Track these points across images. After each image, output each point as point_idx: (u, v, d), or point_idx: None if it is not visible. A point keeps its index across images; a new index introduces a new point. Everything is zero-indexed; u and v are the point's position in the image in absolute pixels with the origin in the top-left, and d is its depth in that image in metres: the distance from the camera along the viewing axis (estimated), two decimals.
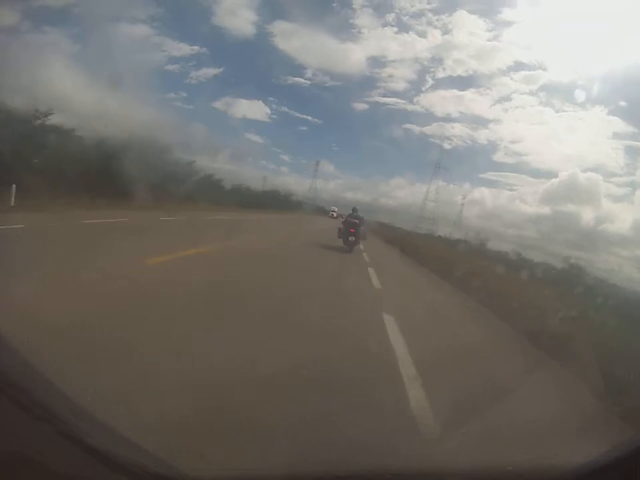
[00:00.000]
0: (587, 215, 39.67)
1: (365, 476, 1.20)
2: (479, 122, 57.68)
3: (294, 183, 50.25)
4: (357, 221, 12.66)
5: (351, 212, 13.10)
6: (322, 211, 49.95)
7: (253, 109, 52.10)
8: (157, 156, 18.53)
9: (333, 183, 54.37)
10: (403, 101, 50.05)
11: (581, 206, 40.61)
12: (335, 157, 63.90)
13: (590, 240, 35.56)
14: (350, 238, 12.31)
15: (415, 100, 51.57)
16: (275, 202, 37.60)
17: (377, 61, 55.15)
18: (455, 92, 49.14)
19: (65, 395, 0.79)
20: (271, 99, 53.64)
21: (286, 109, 51.77)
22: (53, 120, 13.28)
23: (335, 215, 41.38)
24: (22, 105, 12.82)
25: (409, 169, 63.74)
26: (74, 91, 27.11)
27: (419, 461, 1.63)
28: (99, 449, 0.78)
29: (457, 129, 45.62)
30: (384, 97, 48.84)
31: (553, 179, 42.02)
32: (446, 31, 47.51)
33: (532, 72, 45.77)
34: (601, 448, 1.07)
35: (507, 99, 51.38)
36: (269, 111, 49.18)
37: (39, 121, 12.83)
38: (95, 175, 12.54)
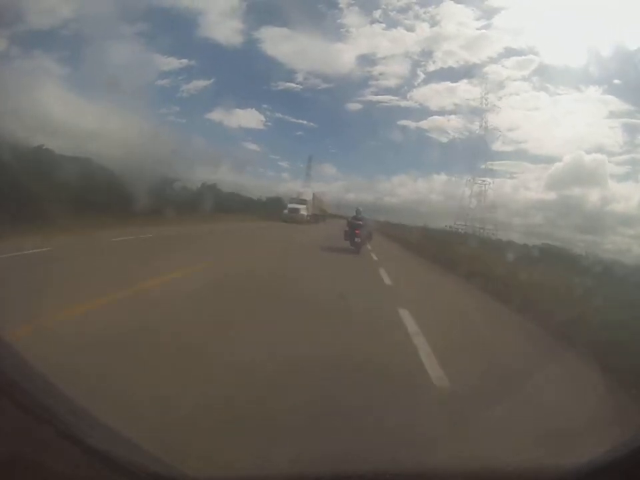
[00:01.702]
0: (593, 197, 38.75)
1: (365, 476, 1.20)
2: (474, 112, 57.53)
3: (296, 188, 49.52)
4: (361, 222, 13.02)
5: (354, 214, 13.42)
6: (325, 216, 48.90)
7: (247, 117, 52.04)
8: (155, 172, 18.71)
9: (334, 185, 54.19)
10: (397, 98, 49.95)
11: (587, 188, 39.69)
12: (334, 159, 63.84)
13: (597, 222, 34.65)
14: (356, 239, 12.68)
15: (408, 95, 51.43)
16: (273, 208, 34.73)
17: (367, 59, 55.04)
18: (448, 84, 48.85)
19: (64, 395, 0.80)
20: (265, 106, 53.43)
21: (280, 115, 51.80)
22: (46, 143, 13.50)
23: (304, 212, 27.91)
24: (15, 131, 12.84)
25: (410, 166, 63.46)
26: (66, 112, 27.23)
27: (419, 461, 1.63)
28: (99, 449, 0.79)
29: (453, 121, 45.41)
30: (377, 95, 48.85)
31: (557, 163, 41.00)
32: (434, 23, 47.22)
33: (523, 57, 45.32)
34: (600, 448, 1.06)
35: (500, 86, 51.16)
36: (264, 118, 48.78)
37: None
38: (93, 195, 12.56)
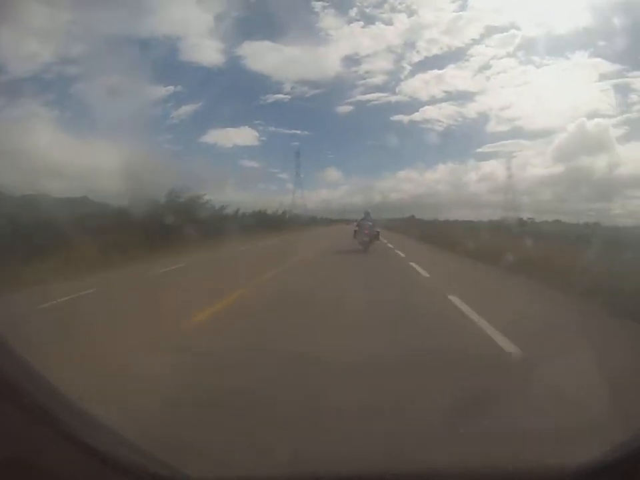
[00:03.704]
0: (600, 164, 36.38)
1: (366, 476, 1.21)
2: (465, 97, 56.13)
3: (299, 198, 47.86)
4: (370, 223, 14.38)
5: (363, 216, 14.69)
6: (322, 222, 46.65)
7: (240, 135, 50.81)
8: (160, 199, 17.68)
9: (339, 190, 52.87)
10: (386, 94, 48.53)
11: (594, 156, 37.27)
12: (334, 164, 62.50)
13: (605, 189, 32.49)
14: (365, 239, 13.83)
15: (397, 90, 49.86)
16: (272, 222, 32.31)
17: (351, 60, 53.73)
18: (435, 72, 47.08)
19: (64, 395, 0.82)
20: (257, 121, 51.74)
21: (273, 129, 50.51)
22: (44, 186, 13.04)
23: None
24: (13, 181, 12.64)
25: (411, 160, 61.89)
26: (61, 154, 26.53)
27: (419, 461, 1.62)
28: (99, 449, 0.81)
29: (445, 109, 44.20)
30: (366, 94, 47.50)
31: (561, 134, 38.71)
32: (411, 13, 45.96)
33: (505, 34, 43.85)
34: (601, 448, 1.05)
35: (486, 67, 49.72)
36: (257, 134, 47.20)
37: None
38: (108, 232, 12.27)
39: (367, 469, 1.28)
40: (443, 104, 47.01)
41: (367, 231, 13.83)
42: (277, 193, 49.71)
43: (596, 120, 36.79)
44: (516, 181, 38.58)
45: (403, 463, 1.61)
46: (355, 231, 14.43)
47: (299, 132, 51.20)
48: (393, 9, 47.21)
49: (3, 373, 0.69)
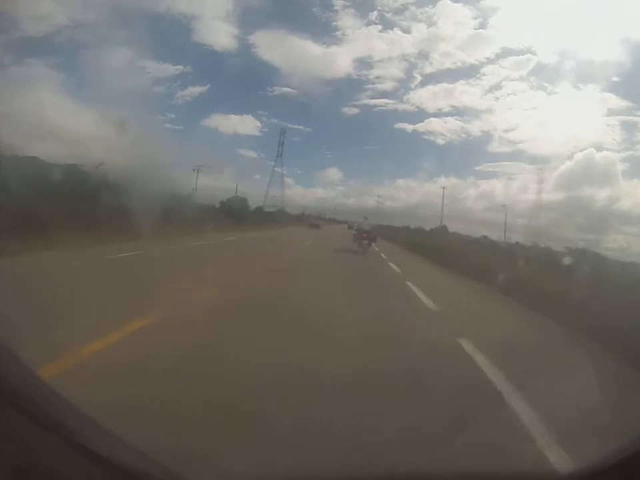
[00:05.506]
0: (600, 196, 36.15)
1: None
2: (471, 114, 56.18)
3: (297, 194, 46.99)
4: (368, 227, 15.52)
5: (361, 220, 16.07)
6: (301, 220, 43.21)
7: (243, 123, 50.67)
8: (154, 179, 17.60)
9: (334, 190, 52.31)
10: (393, 101, 48.62)
11: (597, 187, 37.05)
12: (332, 164, 62.15)
13: (600, 221, 32.95)
14: (363, 242, 14.98)
15: (404, 98, 49.92)
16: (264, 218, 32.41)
17: (363, 63, 53.89)
18: (445, 85, 47.42)
19: (69, 402, 0.83)
20: (260, 111, 52.06)
21: (276, 121, 50.69)
22: (41, 149, 12.26)
23: None
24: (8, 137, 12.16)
25: (409, 169, 61.66)
26: (63, 119, 25.86)
27: (416, 468, 1.61)
28: (102, 455, 0.81)
29: (450, 123, 44.26)
30: (373, 98, 47.80)
31: (567, 162, 38.64)
32: (431, 24, 46.09)
33: (521, 57, 45.27)
34: (598, 453, 1.06)
35: (497, 87, 49.80)
36: (260, 124, 46.96)
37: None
38: (90, 205, 11.76)
39: (363, 475, 1.28)
40: (449, 118, 47.28)
41: (365, 235, 15.05)
42: (272, 186, 49.25)
43: (604, 152, 36.74)
44: (512, 203, 38.23)
45: (399, 470, 1.60)
46: (354, 235, 15.84)
47: (301, 128, 51.24)
48: (414, 18, 46.87)
49: (9, 380, 0.69)
